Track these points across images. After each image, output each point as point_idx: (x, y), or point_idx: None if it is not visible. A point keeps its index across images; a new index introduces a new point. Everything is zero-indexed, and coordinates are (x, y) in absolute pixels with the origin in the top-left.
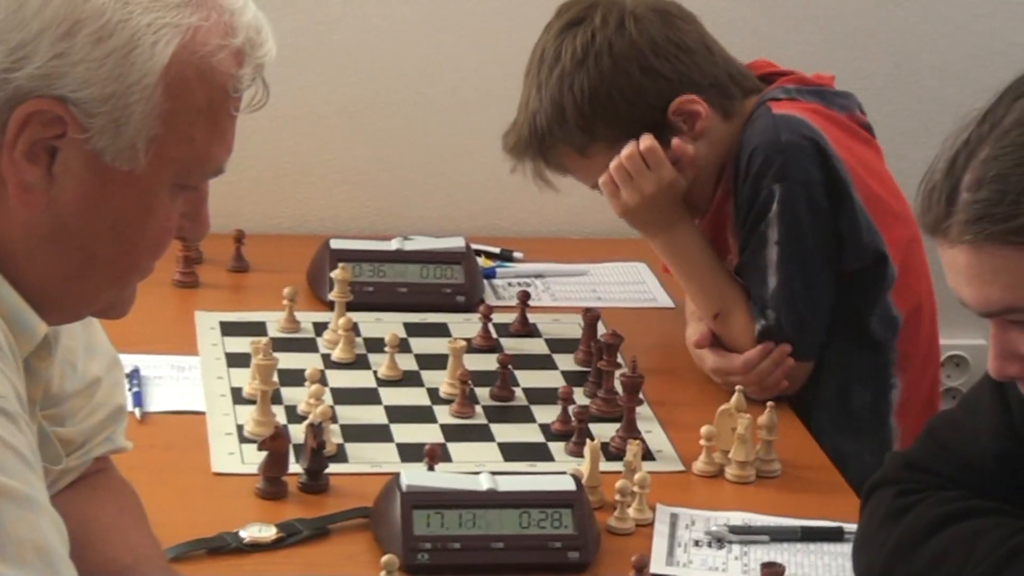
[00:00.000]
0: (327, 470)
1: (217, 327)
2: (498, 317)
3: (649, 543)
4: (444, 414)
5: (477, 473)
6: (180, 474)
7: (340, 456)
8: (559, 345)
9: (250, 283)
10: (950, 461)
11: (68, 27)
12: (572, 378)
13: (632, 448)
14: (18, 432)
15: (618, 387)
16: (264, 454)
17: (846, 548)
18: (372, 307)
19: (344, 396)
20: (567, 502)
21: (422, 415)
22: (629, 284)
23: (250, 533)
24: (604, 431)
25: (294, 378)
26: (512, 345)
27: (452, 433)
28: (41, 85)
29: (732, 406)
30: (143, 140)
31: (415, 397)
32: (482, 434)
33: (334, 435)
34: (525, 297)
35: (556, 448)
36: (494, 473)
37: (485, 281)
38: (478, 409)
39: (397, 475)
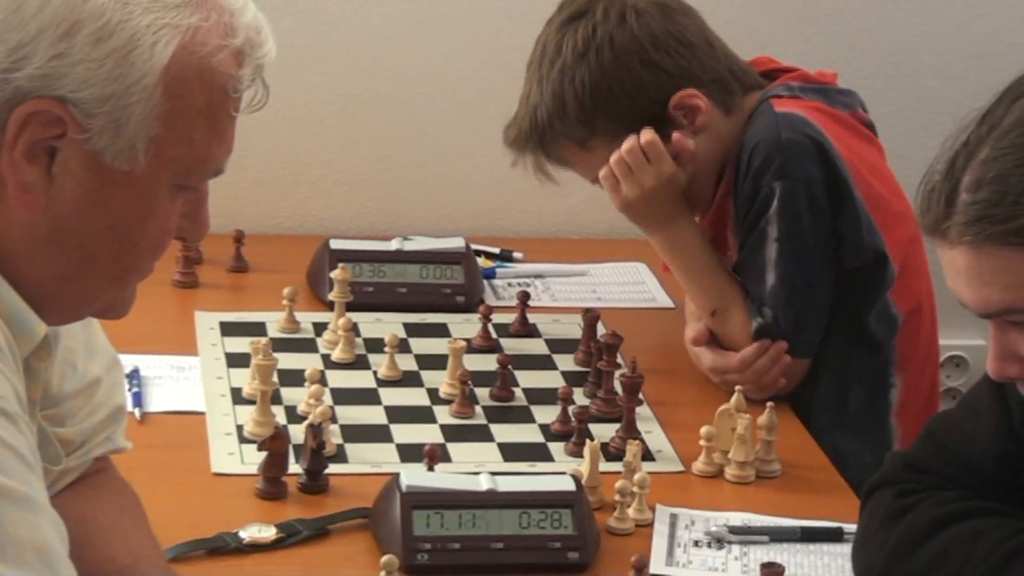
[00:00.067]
0: (327, 470)
1: (217, 327)
2: (498, 317)
3: (649, 543)
4: (444, 414)
5: (477, 473)
6: (180, 474)
7: (340, 456)
8: (559, 345)
9: (250, 283)
10: (950, 462)
11: (67, 27)
12: (572, 378)
13: (632, 448)
14: (18, 432)
15: (618, 387)
16: (264, 454)
17: (846, 548)
18: (372, 307)
19: (344, 396)
20: (567, 502)
21: (422, 415)
22: (629, 284)
23: (250, 533)
24: (604, 431)
25: (294, 378)
26: (512, 345)
27: (452, 433)
28: (41, 85)
29: (732, 406)
30: (143, 140)
31: (415, 397)
32: (482, 434)
33: (334, 435)
34: (525, 297)
35: (556, 448)
36: (494, 473)
37: (485, 281)
38: (478, 409)
39: (397, 475)
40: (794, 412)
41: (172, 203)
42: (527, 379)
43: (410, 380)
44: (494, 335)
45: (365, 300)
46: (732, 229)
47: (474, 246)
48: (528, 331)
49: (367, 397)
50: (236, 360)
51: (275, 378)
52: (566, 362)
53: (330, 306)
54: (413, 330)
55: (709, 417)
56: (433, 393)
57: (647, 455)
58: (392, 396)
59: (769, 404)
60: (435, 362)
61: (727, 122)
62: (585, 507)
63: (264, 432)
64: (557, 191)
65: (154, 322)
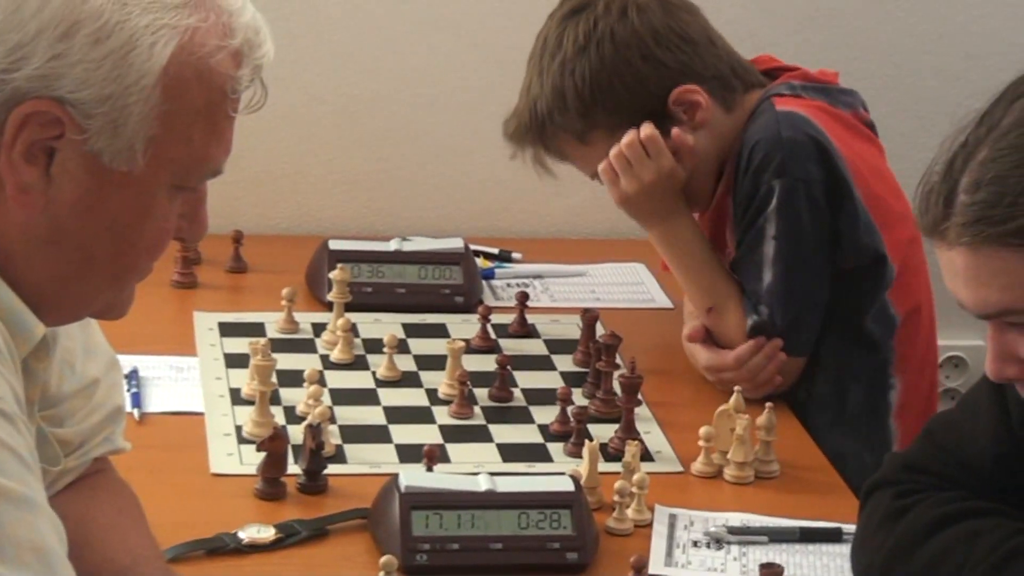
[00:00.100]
0: (326, 471)
1: (216, 328)
2: (497, 318)
3: (648, 544)
4: (443, 415)
5: (476, 474)
6: (178, 475)
7: (339, 457)
8: (558, 346)
9: (248, 284)
10: (949, 462)
11: (66, 28)
12: (571, 379)
13: (631, 449)
14: (16, 433)
15: (617, 388)
16: (263, 455)
17: (845, 549)
18: (371, 308)
19: (343, 397)
20: (566, 503)
21: (421, 416)
22: (628, 285)
23: (249, 534)
24: (603, 432)
25: (293, 379)
26: (511, 346)
27: (451, 434)
28: (39, 86)
29: (731, 407)
30: (141, 141)
31: (414, 398)
32: (481, 435)
33: (333, 436)
34: (524, 298)
35: (555, 449)
36: (493, 474)
37: (484, 282)
38: (477, 410)
39: (396, 476)
40: (793, 412)
41: (171, 204)
42: (526, 379)
43: (409, 380)
44: (493, 335)
45: (364, 300)
46: (731, 227)
47: (473, 246)
48: (527, 331)
49: (366, 398)
50: (235, 361)
51: (274, 378)
52: (565, 362)
53: (329, 306)
54: (412, 330)
55: (708, 417)
56: (432, 394)
57: (646, 455)
58: (391, 396)
59: (768, 404)
60: (434, 362)
61: (728, 119)
62: (584, 508)
63: (263, 433)
64: (556, 192)
65: (153, 323)
